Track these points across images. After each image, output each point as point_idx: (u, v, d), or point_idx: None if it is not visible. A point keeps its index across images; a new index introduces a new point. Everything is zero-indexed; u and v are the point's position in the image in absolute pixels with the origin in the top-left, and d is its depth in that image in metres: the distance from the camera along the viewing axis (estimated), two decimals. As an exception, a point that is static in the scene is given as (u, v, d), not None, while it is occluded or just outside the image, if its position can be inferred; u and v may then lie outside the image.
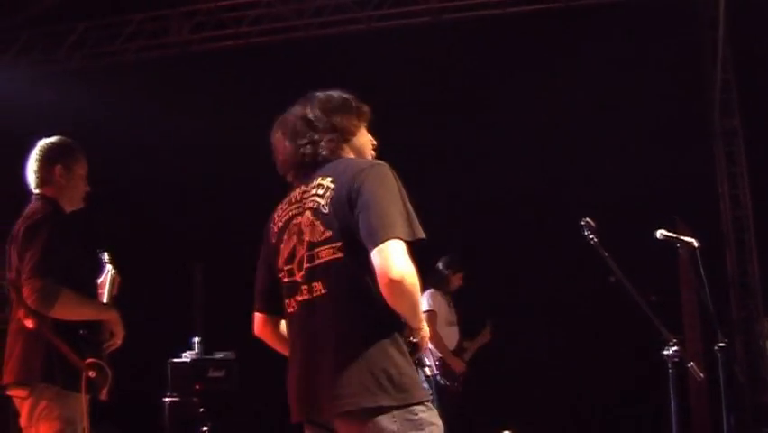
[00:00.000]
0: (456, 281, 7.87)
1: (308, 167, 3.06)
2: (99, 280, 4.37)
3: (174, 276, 9.40)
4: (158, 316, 8.40)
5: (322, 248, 2.90)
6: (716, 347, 5.08)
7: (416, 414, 2.78)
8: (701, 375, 4.36)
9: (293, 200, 3.06)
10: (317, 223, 2.91)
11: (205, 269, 9.55)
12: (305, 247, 2.94)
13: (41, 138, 4.30)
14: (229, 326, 9.27)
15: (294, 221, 3.01)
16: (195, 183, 10.00)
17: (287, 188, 3.17)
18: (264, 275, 3.18)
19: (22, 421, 4.01)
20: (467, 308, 7.97)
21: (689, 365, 4.26)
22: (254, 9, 9.69)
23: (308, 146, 3.05)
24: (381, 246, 2.75)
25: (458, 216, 9.17)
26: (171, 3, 9.70)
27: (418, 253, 2.89)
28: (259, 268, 3.22)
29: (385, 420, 2.74)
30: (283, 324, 3.15)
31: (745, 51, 9.18)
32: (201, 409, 7.56)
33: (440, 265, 7.83)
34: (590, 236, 4.30)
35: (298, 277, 2.95)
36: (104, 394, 4.03)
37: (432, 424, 2.81)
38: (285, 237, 3.03)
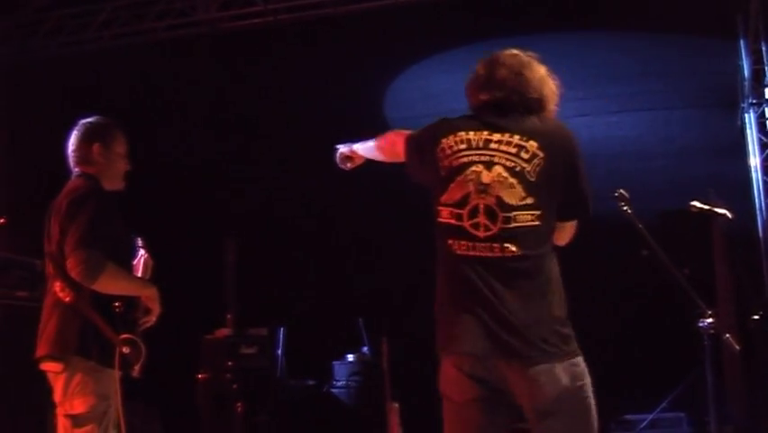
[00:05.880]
0: None
1: (505, 109, 3.09)
2: (134, 263, 4.39)
3: (207, 252, 9.42)
4: (190, 293, 8.42)
5: (520, 213, 2.96)
6: (751, 319, 5.05)
7: (579, 364, 3.02)
8: (737, 347, 4.34)
9: (473, 144, 3.07)
10: (518, 186, 2.96)
11: (238, 245, 9.56)
12: (493, 203, 2.98)
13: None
14: (262, 302, 9.35)
15: (473, 167, 3.03)
16: (228, 158, 10.03)
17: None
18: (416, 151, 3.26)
19: (57, 397, 4.01)
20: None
21: (725, 337, 4.23)
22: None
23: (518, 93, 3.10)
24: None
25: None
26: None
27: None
28: (415, 148, 3.28)
29: (558, 368, 2.94)
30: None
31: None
32: (234, 386, 7.58)
33: None
34: (624, 207, 4.25)
35: (468, 225, 3.00)
36: (136, 371, 4.03)
37: (587, 375, 3.04)
38: (458, 179, 3.04)
